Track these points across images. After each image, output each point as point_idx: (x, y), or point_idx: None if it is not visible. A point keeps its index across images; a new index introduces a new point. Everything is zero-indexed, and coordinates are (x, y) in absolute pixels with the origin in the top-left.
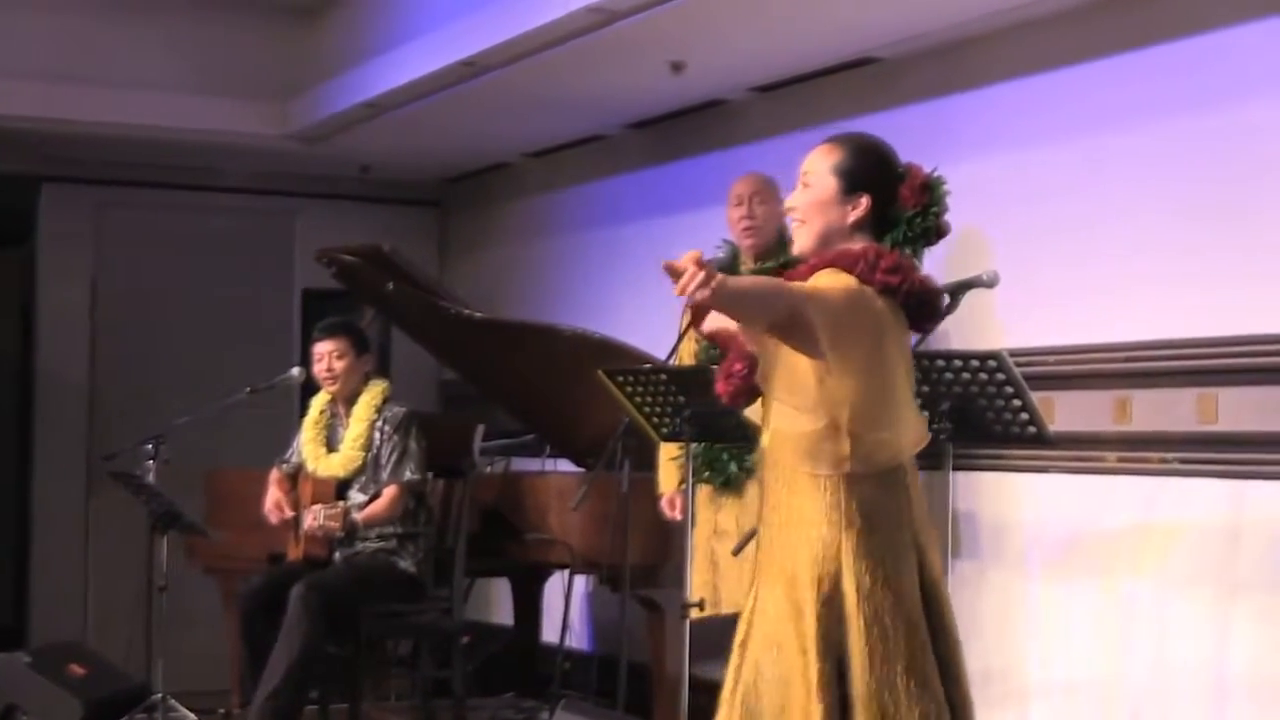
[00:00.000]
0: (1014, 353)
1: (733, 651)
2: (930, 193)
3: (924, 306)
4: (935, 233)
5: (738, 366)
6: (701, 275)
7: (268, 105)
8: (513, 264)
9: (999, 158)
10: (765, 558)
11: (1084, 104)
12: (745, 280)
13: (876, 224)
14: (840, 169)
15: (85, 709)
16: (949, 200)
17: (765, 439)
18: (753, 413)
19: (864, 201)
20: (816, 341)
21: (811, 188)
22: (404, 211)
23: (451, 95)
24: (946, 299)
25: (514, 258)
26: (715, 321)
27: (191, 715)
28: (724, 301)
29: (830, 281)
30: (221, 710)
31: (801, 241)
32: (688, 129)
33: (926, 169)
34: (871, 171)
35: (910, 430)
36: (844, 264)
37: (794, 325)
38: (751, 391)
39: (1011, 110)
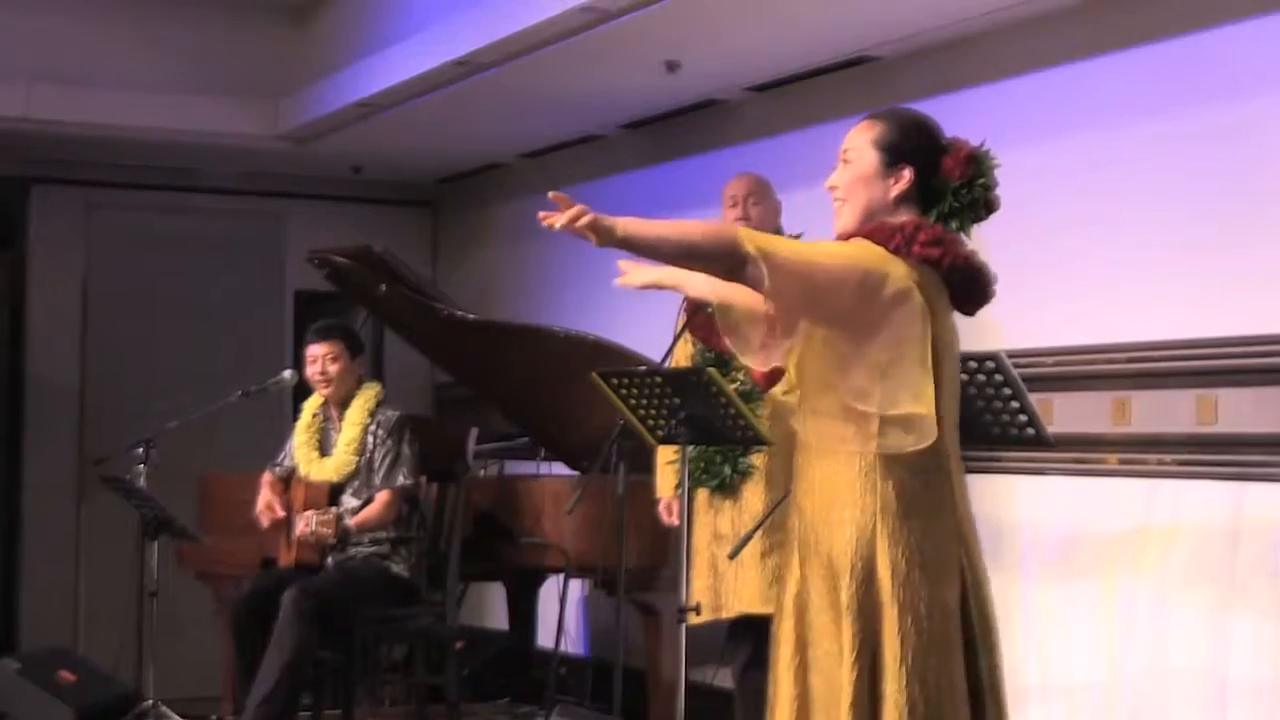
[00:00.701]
0: (1012, 354)
1: (785, 629)
2: (977, 165)
3: (970, 284)
4: (984, 206)
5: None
6: (575, 211)
7: (259, 105)
8: (506, 265)
9: (999, 156)
10: (802, 544)
11: (1082, 102)
12: (662, 225)
13: (921, 198)
14: (881, 143)
15: (75, 716)
16: None
17: (795, 419)
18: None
19: (906, 174)
20: (768, 294)
21: (852, 164)
22: (396, 212)
23: (444, 95)
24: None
25: (508, 259)
26: (674, 276)
27: None
28: (629, 244)
29: (837, 249)
30: (214, 717)
31: (845, 221)
32: (683, 129)
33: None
34: (913, 143)
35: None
36: (879, 237)
37: (749, 281)
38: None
39: (1008, 109)
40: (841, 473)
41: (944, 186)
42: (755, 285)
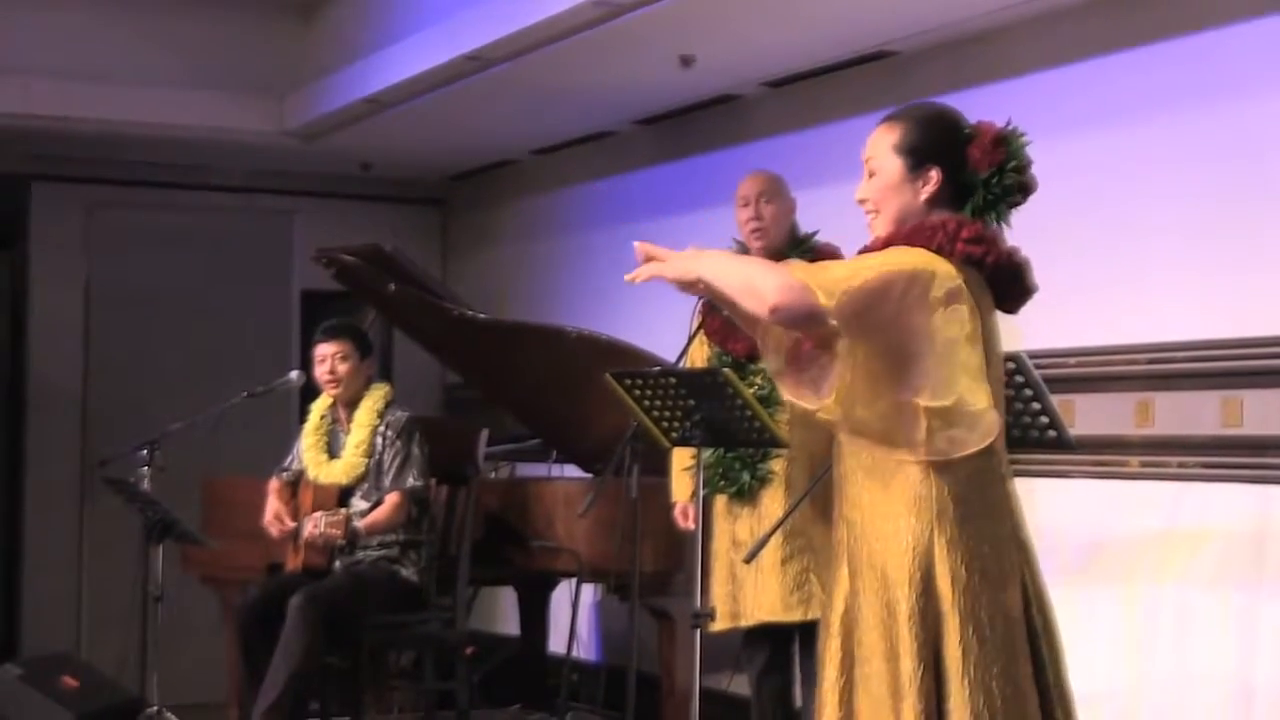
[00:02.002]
0: (1033, 354)
1: (831, 649)
2: (1005, 147)
3: (1013, 282)
4: (1019, 190)
5: (806, 347)
6: (650, 269)
7: (265, 101)
8: (518, 264)
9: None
10: (852, 558)
11: (1104, 97)
12: (725, 272)
13: (953, 195)
14: (902, 146)
15: None
16: None
17: (837, 426)
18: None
19: (933, 175)
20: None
21: (877, 174)
22: (406, 210)
23: (455, 90)
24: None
25: (519, 257)
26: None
27: None
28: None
29: (879, 261)
30: None
31: (880, 230)
32: (698, 125)
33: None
34: (935, 141)
35: (991, 413)
36: (920, 239)
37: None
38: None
39: (1028, 104)
40: (892, 481)
41: (974, 180)
42: (825, 332)
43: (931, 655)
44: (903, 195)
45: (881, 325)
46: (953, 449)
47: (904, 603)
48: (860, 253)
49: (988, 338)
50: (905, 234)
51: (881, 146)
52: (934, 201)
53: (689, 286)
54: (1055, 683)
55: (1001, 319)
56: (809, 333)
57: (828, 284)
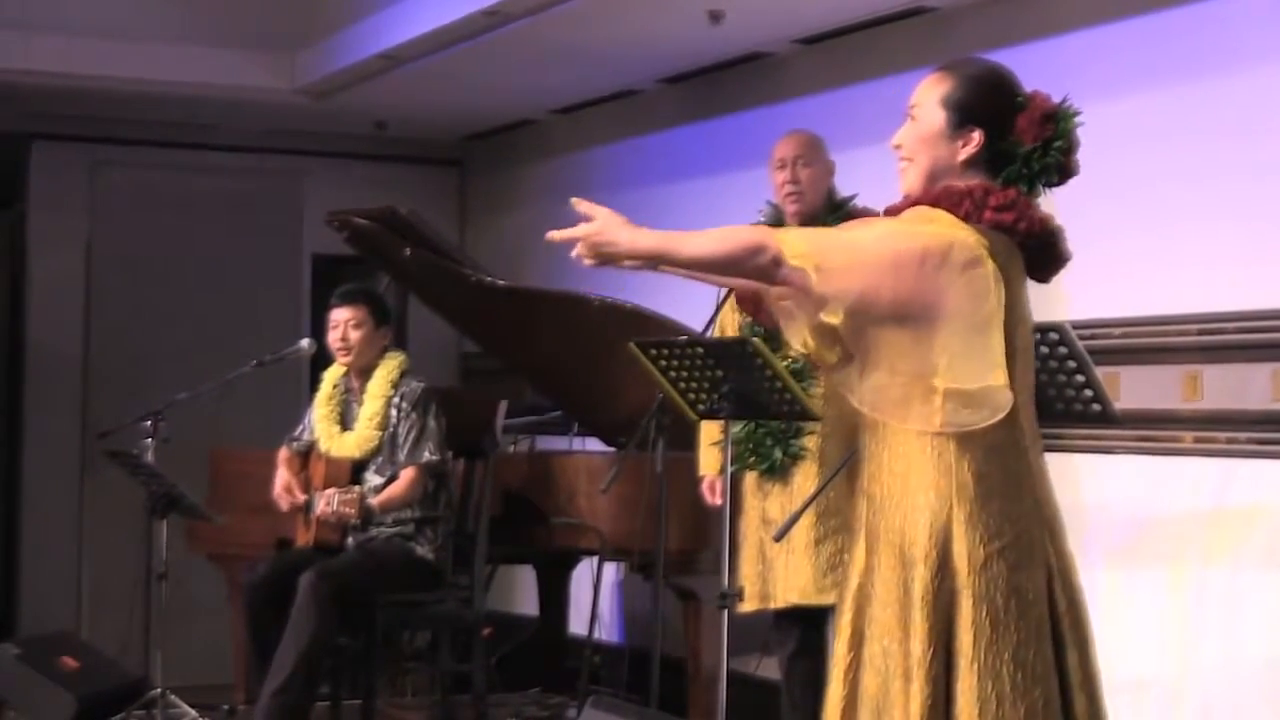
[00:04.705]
0: (1077, 325)
1: (842, 624)
2: (1055, 125)
3: (1045, 250)
4: (1059, 171)
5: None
6: (577, 230)
7: (275, 57)
8: (538, 228)
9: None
10: (870, 533)
11: (1151, 57)
12: (683, 241)
13: (991, 161)
14: (949, 100)
15: (78, 704)
16: None
17: (855, 397)
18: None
19: (975, 136)
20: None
21: (918, 122)
22: (421, 171)
23: (473, 46)
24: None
25: (539, 221)
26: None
27: (192, 711)
28: (652, 259)
29: (887, 229)
30: (225, 706)
31: (909, 181)
32: (726, 83)
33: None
34: (984, 103)
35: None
36: (946, 202)
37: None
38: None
39: (1074, 62)
40: (913, 455)
41: (1015, 149)
42: (807, 297)
43: (943, 638)
44: (938, 150)
45: (900, 299)
46: (963, 423)
47: (919, 582)
48: (885, 213)
49: (1013, 305)
50: (932, 196)
51: (929, 96)
52: (970, 163)
53: (643, 264)
54: (1079, 664)
55: (1045, 289)
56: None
57: (796, 244)
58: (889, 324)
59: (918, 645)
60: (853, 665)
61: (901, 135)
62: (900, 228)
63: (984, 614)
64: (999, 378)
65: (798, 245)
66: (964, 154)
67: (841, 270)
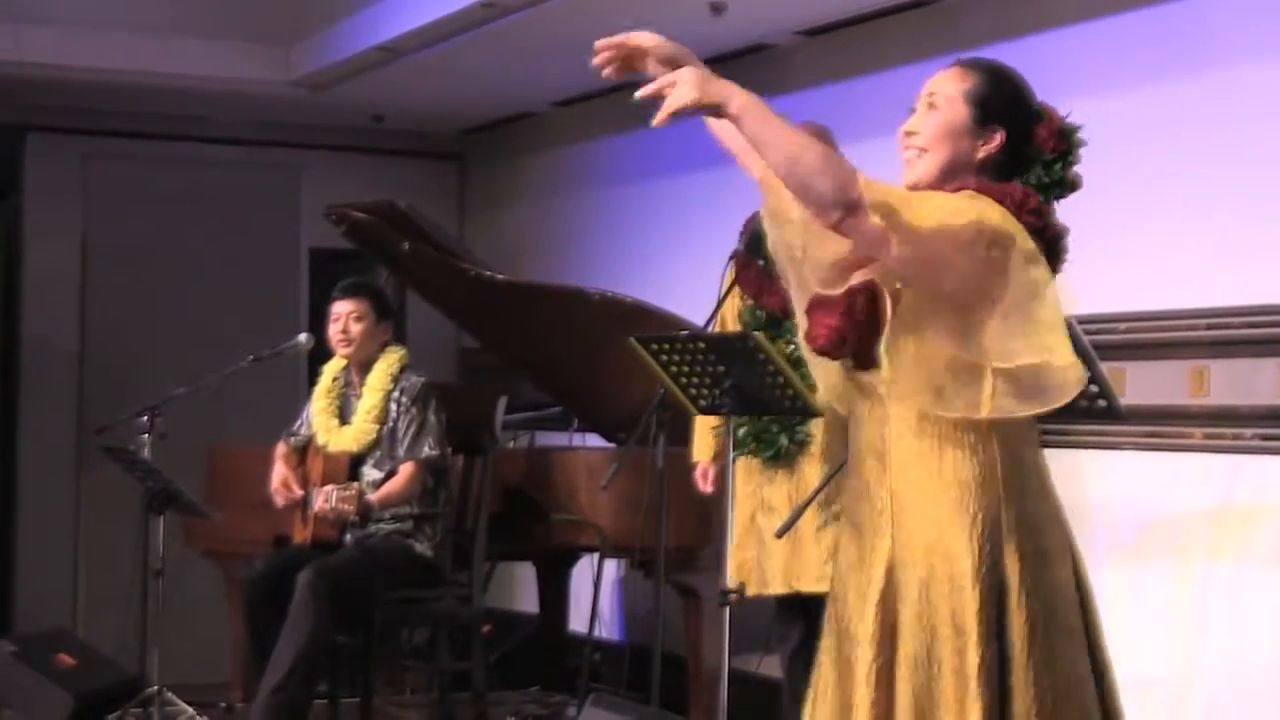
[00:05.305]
0: (1081, 319)
1: (861, 622)
2: (1067, 140)
3: (1056, 260)
4: (1068, 185)
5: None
6: (676, 97)
7: (272, 48)
8: (538, 222)
9: (1068, 106)
10: (900, 530)
11: (1158, 50)
12: (779, 127)
13: (1006, 165)
14: (974, 97)
15: (75, 702)
16: None
17: (886, 382)
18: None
19: (998, 137)
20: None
21: (940, 110)
22: (420, 165)
23: (472, 38)
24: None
25: (539, 215)
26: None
27: (189, 709)
28: (739, 124)
29: (959, 204)
30: (222, 704)
31: (920, 172)
32: (729, 76)
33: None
34: (1009, 105)
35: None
36: (993, 195)
37: (853, 237)
38: (855, 331)
39: (1080, 55)
40: (947, 450)
41: (1036, 156)
42: (864, 246)
43: (996, 636)
44: (960, 145)
45: (965, 280)
46: (1019, 408)
47: (969, 583)
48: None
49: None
50: (975, 186)
51: (952, 88)
52: (986, 165)
53: (712, 115)
54: (1103, 656)
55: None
56: (833, 226)
57: (879, 189)
58: (940, 297)
59: (974, 645)
60: (885, 667)
61: (917, 123)
62: (963, 202)
63: (1037, 609)
64: (1067, 354)
65: (872, 184)
66: (984, 152)
67: (918, 228)
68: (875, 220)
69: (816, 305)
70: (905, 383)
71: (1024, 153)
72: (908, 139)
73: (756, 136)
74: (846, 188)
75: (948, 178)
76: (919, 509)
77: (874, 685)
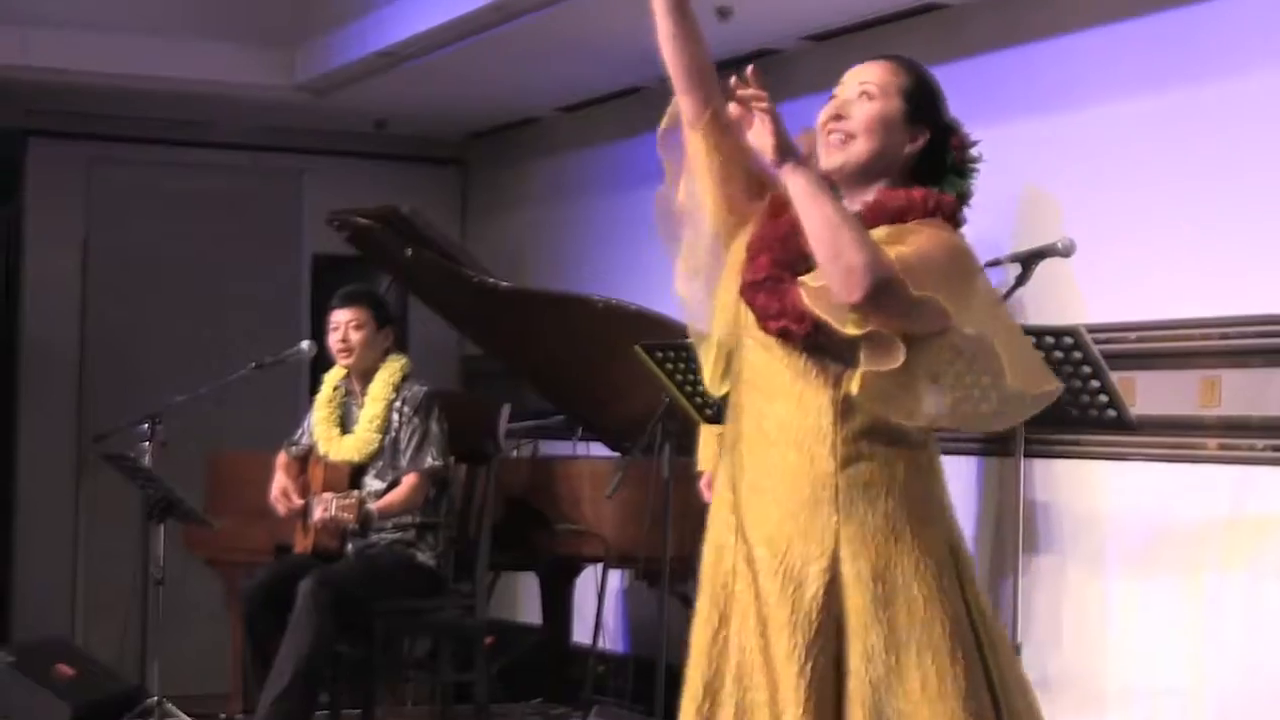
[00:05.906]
0: (1092, 329)
1: (790, 631)
2: (968, 156)
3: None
4: (965, 201)
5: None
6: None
7: (275, 53)
8: (542, 228)
9: (1075, 113)
10: (753, 531)
11: (1169, 54)
12: (818, 213)
13: (920, 169)
14: (908, 93)
15: (74, 713)
16: (1018, 160)
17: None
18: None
19: (922, 139)
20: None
21: (876, 101)
22: (423, 170)
23: (477, 43)
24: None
25: (543, 221)
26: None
27: None
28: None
29: (945, 244)
30: (222, 715)
31: (848, 157)
32: None
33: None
34: (936, 108)
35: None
36: (945, 213)
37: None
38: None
39: (1088, 61)
40: (860, 458)
41: (949, 166)
42: (875, 322)
43: (834, 641)
44: (892, 139)
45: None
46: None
47: (813, 579)
48: (869, 216)
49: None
50: (933, 208)
51: (887, 80)
52: (908, 163)
53: (774, 161)
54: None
55: (1060, 293)
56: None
57: (964, 313)
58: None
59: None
60: (817, 680)
61: (851, 107)
62: (956, 250)
63: (884, 614)
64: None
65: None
66: (910, 149)
67: (936, 308)
68: (905, 311)
69: (750, 287)
70: (867, 395)
71: (941, 159)
72: (835, 123)
73: (806, 198)
74: (881, 266)
75: (870, 169)
76: (788, 514)
77: (803, 700)
